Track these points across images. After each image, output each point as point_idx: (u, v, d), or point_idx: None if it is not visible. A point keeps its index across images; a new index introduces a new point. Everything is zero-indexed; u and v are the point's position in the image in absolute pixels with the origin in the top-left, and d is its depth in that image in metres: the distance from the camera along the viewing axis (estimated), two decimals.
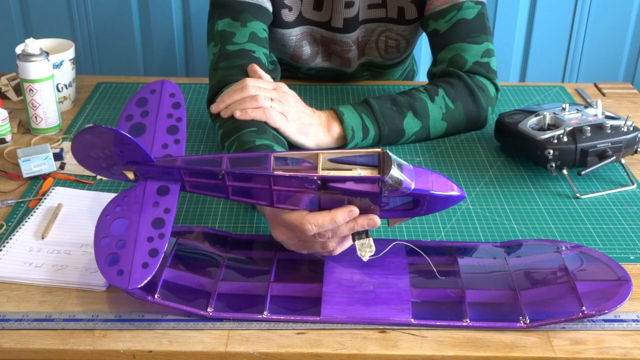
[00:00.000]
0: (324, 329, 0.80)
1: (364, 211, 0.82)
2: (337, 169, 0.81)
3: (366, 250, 0.83)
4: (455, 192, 0.84)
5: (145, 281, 0.77)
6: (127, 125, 0.89)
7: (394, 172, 0.79)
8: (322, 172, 0.80)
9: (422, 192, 0.82)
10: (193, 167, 0.81)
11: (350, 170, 0.81)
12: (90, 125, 0.78)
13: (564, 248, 0.89)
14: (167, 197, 0.82)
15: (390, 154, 0.80)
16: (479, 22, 1.21)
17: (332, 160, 0.82)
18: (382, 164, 0.80)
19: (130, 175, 0.83)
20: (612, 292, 0.81)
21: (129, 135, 0.78)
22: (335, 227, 0.82)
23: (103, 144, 0.80)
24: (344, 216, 0.81)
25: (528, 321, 0.78)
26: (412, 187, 0.81)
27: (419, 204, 0.84)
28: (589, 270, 0.85)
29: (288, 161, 0.82)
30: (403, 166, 0.81)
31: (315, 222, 0.81)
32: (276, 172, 0.79)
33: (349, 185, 0.79)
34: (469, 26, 1.20)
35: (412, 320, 0.79)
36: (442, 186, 0.83)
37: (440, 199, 0.84)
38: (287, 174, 0.79)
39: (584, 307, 0.78)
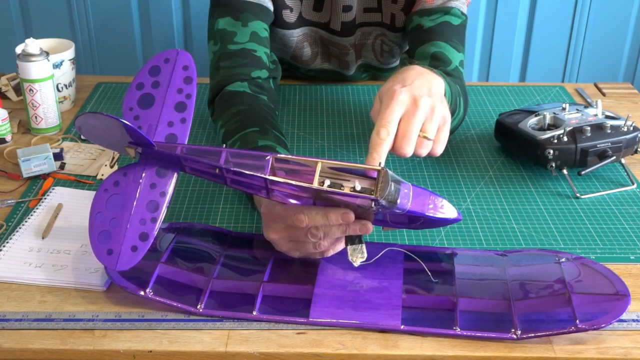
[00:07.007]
0: (324, 329, 0.80)
1: (358, 217, 0.82)
2: (335, 177, 0.80)
3: (357, 255, 0.83)
4: (451, 215, 0.84)
5: (132, 265, 0.79)
6: (137, 94, 0.89)
7: (390, 193, 0.78)
8: (318, 181, 0.79)
9: (417, 214, 0.81)
10: (192, 157, 0.81)
11: (348, 180, 0.80)
12: (95, 112, 0.78)
13: (564, 259, 0.88)
14: (165, 179, 0.83)
15: (390, 172, 0.79)
16: (461, 32, 1.21)
17: (331, 169, 0.81)
18: (379, 182, 0.78)
19: (132, 153, 0.84)
20: (609, 307, 0.79)
21: (132, 126, 0.78)
22: (328, 226, 0.82)
23: (107, 127, 0.81)
24: (337, 216, 0.81)
25: (519, 333, 0.78)
26: (407, 208, 0.80)
27: (413, 221, 0.84)
28: (587, 283, 0.84)
29: (286, 165, 0.82)
30: (401, 186, 0.80)
31: (309, 213, 0.81)
32: (271, 177, 0.79)
33: (343, 198, 0.79)
34: (453, 30, 1.19)
35: (402, 326, 0.79)
36: (438, 208, 0.83)
37: (435, 221, 0.84)
38: (282, 180, 0.79)
39: (577, 321, 0.77)
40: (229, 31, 1.17)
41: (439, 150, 0.87)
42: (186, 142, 0.86)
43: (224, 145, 1.05)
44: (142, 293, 0.81)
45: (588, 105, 1.22)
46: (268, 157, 0.80)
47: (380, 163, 0.80)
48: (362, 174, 0.80)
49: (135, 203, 0.82)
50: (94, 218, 0.82)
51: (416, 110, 0.83)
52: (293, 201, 0.83)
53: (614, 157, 1.05)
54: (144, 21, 1.92)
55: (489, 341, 0.78)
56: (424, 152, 0.85)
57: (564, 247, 0.94)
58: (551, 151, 1.04)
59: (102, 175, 1.08)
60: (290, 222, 0.82)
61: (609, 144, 1.05)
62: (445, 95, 0.93)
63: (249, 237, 0.94)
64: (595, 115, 1.10)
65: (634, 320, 0.81)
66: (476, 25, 1.95)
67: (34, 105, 1.18)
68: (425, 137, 0.85)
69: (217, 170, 0.81)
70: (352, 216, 0.81)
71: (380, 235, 0.94)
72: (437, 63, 1.14)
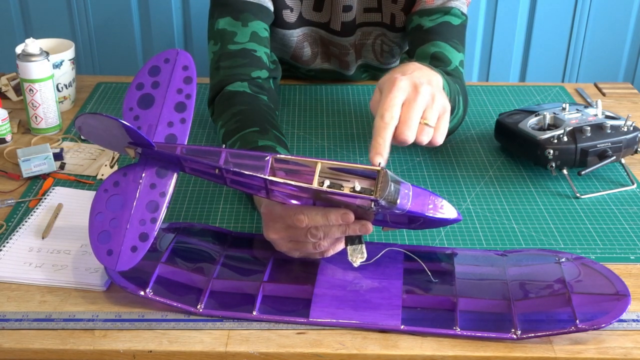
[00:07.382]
0: (324, 329, 0.80)
1: (357, 218, 0.82)
2: (335, 177, 0.80)
3: (357, 256, 0.83)
4: (451, 216, 0.84)
5: (132, 265, 0.79)
6: (137, 94, 0.89)
7: (389, 194, 0.78)
8: (318, 181, 0.79)
9: (417, 214, 0.81)
10: (192, 158, 0.81)
11: (348, 180, 0.80)
12: (95, 112, 0.79)
13: (564, 259, 0.88)
14: (165, 179, 0.83)
15: (390, 172, 0.79)
16: (461, 32, 1.21)
17: (330, 169, 0.81)
18: (378, 183, 0.78)
19: (132, 153, 0.84)
20: (609, 307, 0.79)
21: (132, 126, 0.78)
22: (328, 226, 0.82)
23: (107, 128, 0.81)
24: (337, 216, 0.81)
25: (519, 333, 0.78)
26: (407, 208, 0.80)
27: (413, 221, 0.84)
28: (587, 283, 0.84)
29: (286, 166, 0.82)
30: (401, 186, 0.80)
31: (309, 214, 0.81)
32: (271, 177, 0.79)
33: (343, 198, 0.79)
34: (453, 30, 1.19)
35: (402, 326, 0.79)
36: (438, 209, 0.83)
37: (435, 221, 0.84)
38: (281, 180, 0.79)
39: (577, 321, 0.77)
40: (229, 31, 1.17)
41: (440, 139, 0.87)
42: (186, 143, 0.87)
43: (224, 145, 1.05)
44: (142, 293, 0.81)
45: (588, 105, 1.22)
46: (268, 158, 0.80)
47: (380, 163, 0.80)
48: (362, 174, 0.80)
49: (135, 203, 0.82)
50: (93, 218, 0.82)
51: (417, 97, 0.83)
52: (293, 201, 0.83)
53: (614, 157, 1.05)
54: (144, 21, 1.92)
55: (489, 341, 0.78)
56: (425, 140, 0.85)
57: (564, 247, 0.94)
58: (551, 151, 1.04)
59: (102, 175, 1.08)
60: (290, 222, 0.82)
61: (609, 144, 1.05)
62: (443, 90, 0.93)
63: (249, 237, 0.94)
64: (595, 115, 1.10)
65: (634, 320, 0.81)
66: (476, 25, 1.95)
67: (34, 105, 1.18)
68: (426, 125, 0.84)
69: (216, 171, 0.81)
70: (351, 216, 0.81)
71: (380, 235, 0.94)
72: (437, 63, 1.14)
